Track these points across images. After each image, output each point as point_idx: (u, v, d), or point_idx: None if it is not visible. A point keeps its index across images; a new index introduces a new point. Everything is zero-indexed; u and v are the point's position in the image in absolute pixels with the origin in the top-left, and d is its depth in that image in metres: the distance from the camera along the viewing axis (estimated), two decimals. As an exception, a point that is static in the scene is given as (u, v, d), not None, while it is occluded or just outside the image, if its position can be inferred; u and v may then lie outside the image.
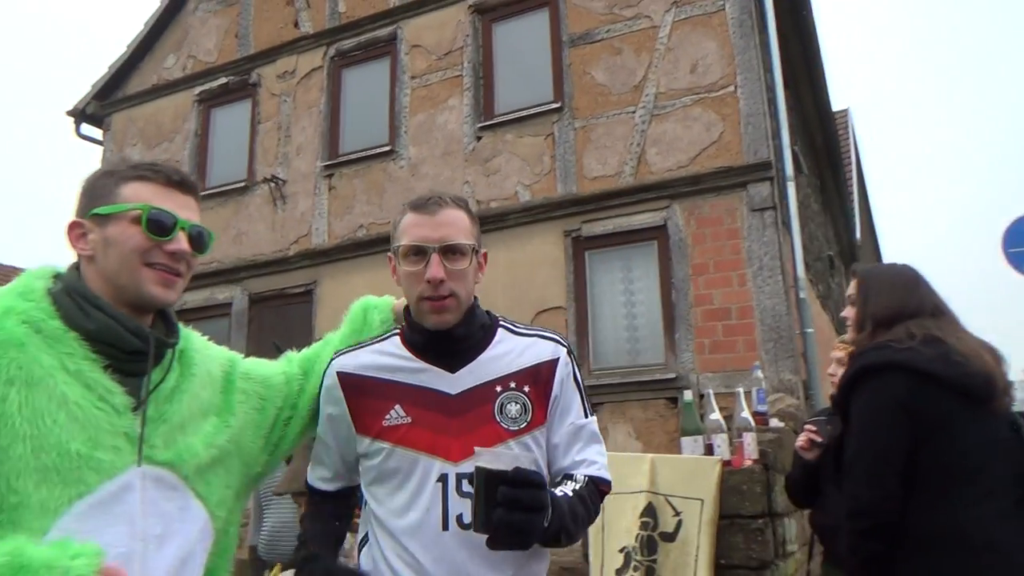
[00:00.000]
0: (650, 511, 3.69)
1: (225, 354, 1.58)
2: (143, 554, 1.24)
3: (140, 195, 1.36)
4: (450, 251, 1.57)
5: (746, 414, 3.81)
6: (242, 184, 9.38)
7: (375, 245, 8.21)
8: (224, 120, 10.04)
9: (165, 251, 1.36)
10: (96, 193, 1.38)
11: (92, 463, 1.22)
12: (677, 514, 3.65)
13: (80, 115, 10.76)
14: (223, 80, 9.93)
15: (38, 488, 1.18)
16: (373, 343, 1.66)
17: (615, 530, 3.80)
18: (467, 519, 1.45)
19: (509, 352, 1.61)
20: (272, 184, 9.09)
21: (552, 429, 1.59)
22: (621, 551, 3.76)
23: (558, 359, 1.63)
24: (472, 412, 1.53)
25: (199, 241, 1.42)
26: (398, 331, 1.66)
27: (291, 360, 1.72)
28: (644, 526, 3.69)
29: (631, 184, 7.24)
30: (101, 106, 10.70)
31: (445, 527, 1.47)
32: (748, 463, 3.69)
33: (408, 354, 1.60)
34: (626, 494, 3.80)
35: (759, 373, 4.05)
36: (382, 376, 1.58)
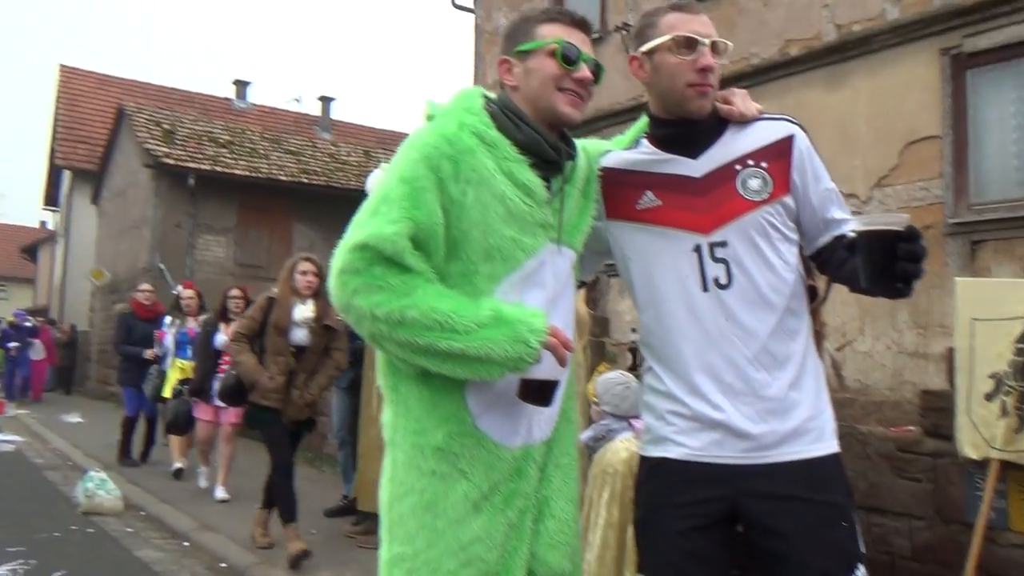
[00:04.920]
0: (1027, 338, 3.52)
1: (589, 148, 1.93)
2: (550, 311, 1.70)
3: (553, 32, 1.70)
4: (715, 47, 1.74)
5: None
6: (595, 36, 9.79)
7: (730, 83, 8.14)
8: (577, -26, 10.41)
9: (573, 78, 1.69)
10: (517, 35, 1.74)
11: (521, 244, 1.68)
12: (1061, 342, 3.44)
13: (455, -13, 11.96)
14: (575, -67, 10.22)
15: (485, 263, 1.66)
16: (627, 148, 1.92)
17: (985, 356, 3.70)
18: (723, 280, 1.71)
19: (743, 135, 1.78)
20: (624, 32, 9.36)
21: (807, 191, 1.77)
22: (991, 376, 3.68)
23: (793, 135, 1.78)
24: (717, 190, 1.74)
25: (596, 72, 1.74)
26: (645, 135, 1.89)
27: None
28: (1019, 352, 3.54)
29: (1033, -17, 6.17)
30: (471, -24, 11.74)
31: (705, 288, 1.73)
32: None
33: (654, 148, 1.83)
34: (1000, 320, 3.65)
35: None
36: (633, 168, 1.84)
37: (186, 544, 5.16)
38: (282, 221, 16.10)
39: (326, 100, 25.16)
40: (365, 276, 1.56)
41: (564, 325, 1.72)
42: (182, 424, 6.83)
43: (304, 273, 4.68)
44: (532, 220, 1.69)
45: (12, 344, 15.06)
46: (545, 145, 1.70)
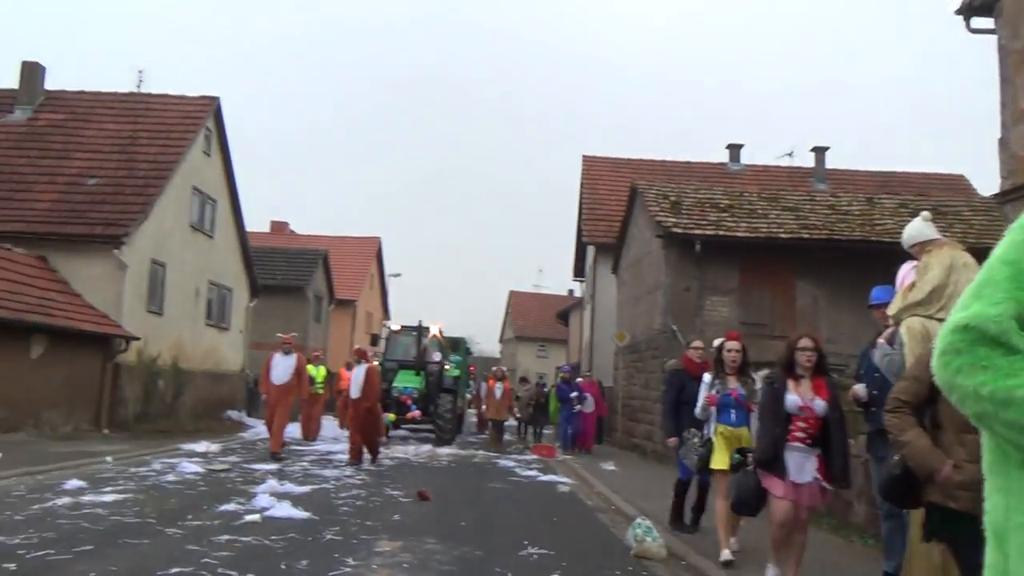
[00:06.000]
0: None
1: None
2: None
3: None
4: None
5: None
6: None
7: None
8: None
9: None
10: None
11: None
12: None
13: (968, 10, 10.82)
14: None
15: None
16: None
17: None
18: None
19: None
20: None
21: None
22: None
23: None
24: None
25: None
26: None
27: None
28: None
29: None
30: (990, -6, 10.51)
31: None
32: None
33: None
34: None
35: None
36: None
37: (727, 598, 5.48)
38: (783, 279, 16.12)
39: (820, 150, 24.64)
40: (968, 356, 1.58)
41: None
42: (751, 503, 5.29)
43: None
44: None
45: (573, 395, 17.34)
46: None
